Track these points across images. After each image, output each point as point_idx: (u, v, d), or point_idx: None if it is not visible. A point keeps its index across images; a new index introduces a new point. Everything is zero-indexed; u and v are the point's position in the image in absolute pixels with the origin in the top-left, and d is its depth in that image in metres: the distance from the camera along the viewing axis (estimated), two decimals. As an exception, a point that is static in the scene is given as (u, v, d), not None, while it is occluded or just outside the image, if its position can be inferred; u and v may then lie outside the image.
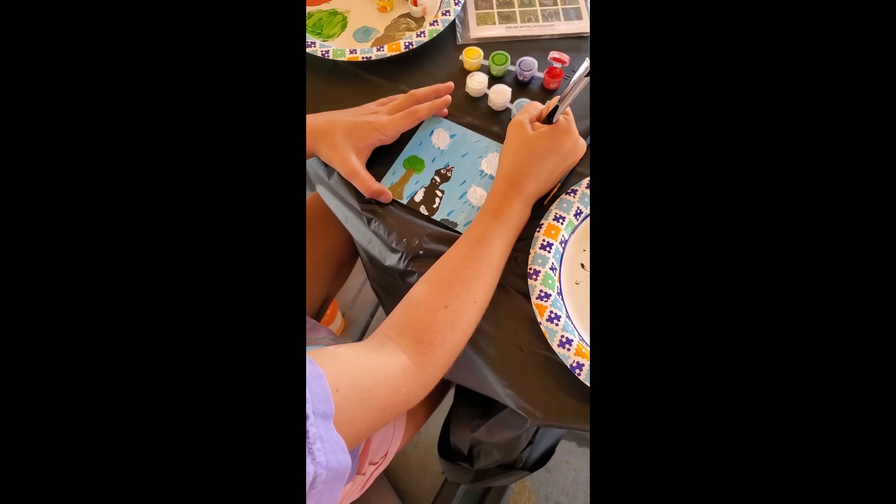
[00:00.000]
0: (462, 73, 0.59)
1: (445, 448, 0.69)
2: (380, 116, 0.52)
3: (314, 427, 0.29)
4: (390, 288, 0.58)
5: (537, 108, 0.52)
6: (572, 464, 1.11)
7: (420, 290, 0.44)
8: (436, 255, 0.50)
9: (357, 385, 0.36)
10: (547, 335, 0.46)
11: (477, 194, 0.53)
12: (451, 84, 0.56)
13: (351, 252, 0.74)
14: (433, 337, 0.41)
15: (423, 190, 0.53)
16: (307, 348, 0.59)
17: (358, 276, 1.26)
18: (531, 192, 0.49)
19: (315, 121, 0.52)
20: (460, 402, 0.67)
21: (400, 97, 0.54)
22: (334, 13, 0.64)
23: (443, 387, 0.80)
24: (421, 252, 0.50)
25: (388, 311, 0.52)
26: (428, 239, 0.51)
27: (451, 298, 0.43)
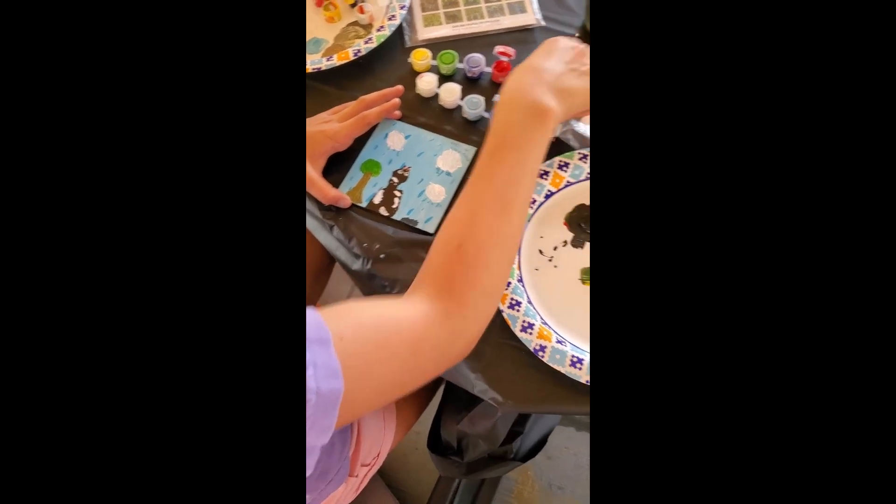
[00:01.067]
0: (412, 75, 0.60)
1: (436, 443, 0.70)
2: (332, 124, 0.53)
3: (309, 353, 0.28)
4: (373, 294, 0.59)
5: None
6: (572, 448, 1.12)
7: (436, 237, 0.42)
8: (397, 258, 0.51)
9: (368, 331, 0.34)
10: (509, 322, 0.47)
11: (435, 191, 0.54)
12: (400, 87, 0.57)
13: (328, 260, 0.76)
14: (451, 279, 0.39)
15: (381, 192, 0.55)
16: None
17: (345, 286, 1.27)
18: (531, 102, 0.43)
19: (270, 135, 0.53)
20: (448, 397, 0.68)
21: (351, 104, 0.56)
22: (284, 28, 0.65)
23: (433, 385, 0.81)
24: (382, 256, 0.51)
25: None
26: (388, 242, 0.52)
27: (465, 236, 0.40)
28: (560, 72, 0.46)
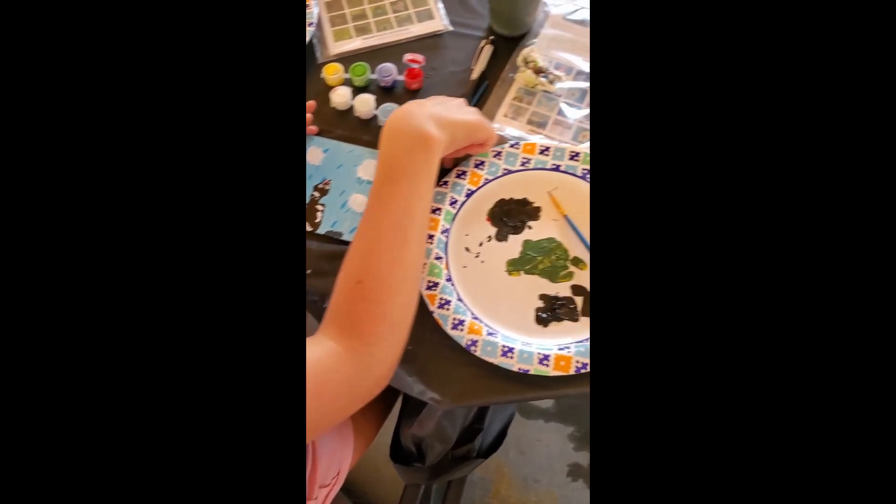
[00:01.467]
0: (326, 90, 0.60)
1: (397, 452, 0.70)
2: (246, 147, 0.53)
3: None
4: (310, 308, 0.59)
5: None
6: (543, 440, 1.13)
7: (338, 274, 0.43)
8: (323, 272, 0.52)
9: None
10: (440, 321, 0.47)
11: (358, 201, 0.55)
12: (311, 103, 0.57)
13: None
14: (354, 316, 0.39)
15: (304, 208, 0.55)
16: None
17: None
18: (414, 130, 0.45)
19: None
20: (406, 404, 0.68)
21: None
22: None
23: (391, 395, 0.81)
24: (309, 271, 0.51)
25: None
26: (314, 257, 0.52)
27: (363, 272, 0.41)
28: (442, 107, 0.49)
